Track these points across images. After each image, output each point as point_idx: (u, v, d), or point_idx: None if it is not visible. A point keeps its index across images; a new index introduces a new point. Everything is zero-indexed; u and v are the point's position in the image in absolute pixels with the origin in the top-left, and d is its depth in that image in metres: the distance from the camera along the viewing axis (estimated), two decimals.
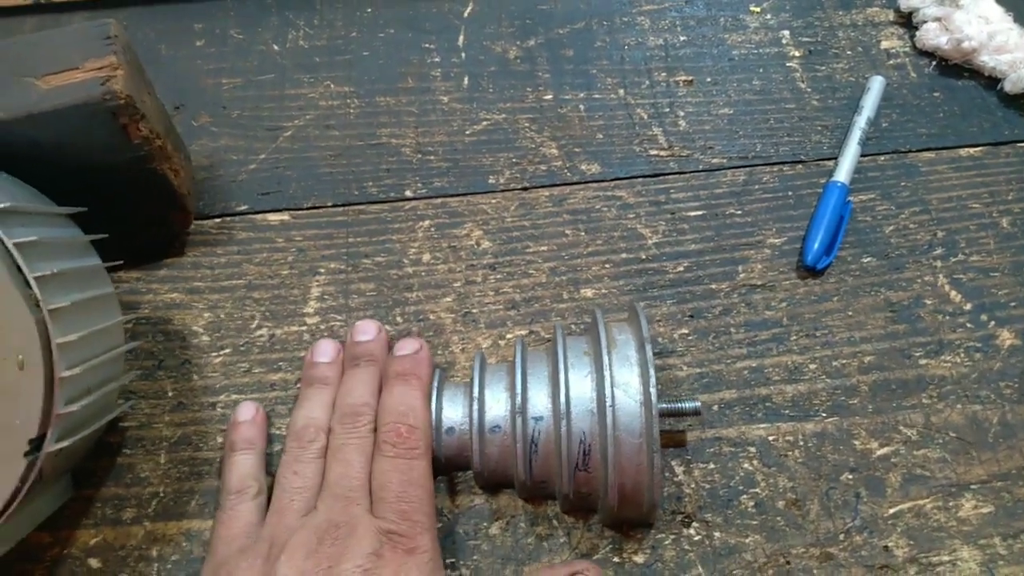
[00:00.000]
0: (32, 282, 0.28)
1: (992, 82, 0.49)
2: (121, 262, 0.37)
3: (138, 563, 0.35)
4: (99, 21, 0.38)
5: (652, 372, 0.31)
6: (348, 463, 0.33)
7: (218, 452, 0.37)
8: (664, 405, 0.35)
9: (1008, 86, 0.47)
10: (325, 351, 0.38)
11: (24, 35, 0.39)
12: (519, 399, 0.33)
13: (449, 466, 0.35)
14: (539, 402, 0.33)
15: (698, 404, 0.35)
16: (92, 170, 0.37)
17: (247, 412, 0.37)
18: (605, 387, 0.31)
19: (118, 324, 0.35)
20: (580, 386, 0.32)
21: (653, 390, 0.31)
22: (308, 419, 0.35)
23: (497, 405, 0.34)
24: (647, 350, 0.32)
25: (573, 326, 0.40)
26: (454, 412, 0.35)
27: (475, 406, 0.34)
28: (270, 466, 0.36)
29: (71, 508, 0.36)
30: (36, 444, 0.29)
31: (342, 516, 0.31)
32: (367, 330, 0.38)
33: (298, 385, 0.39)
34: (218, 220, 0.44)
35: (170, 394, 0.39)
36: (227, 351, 0.40)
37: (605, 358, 0.32)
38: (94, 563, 0.35)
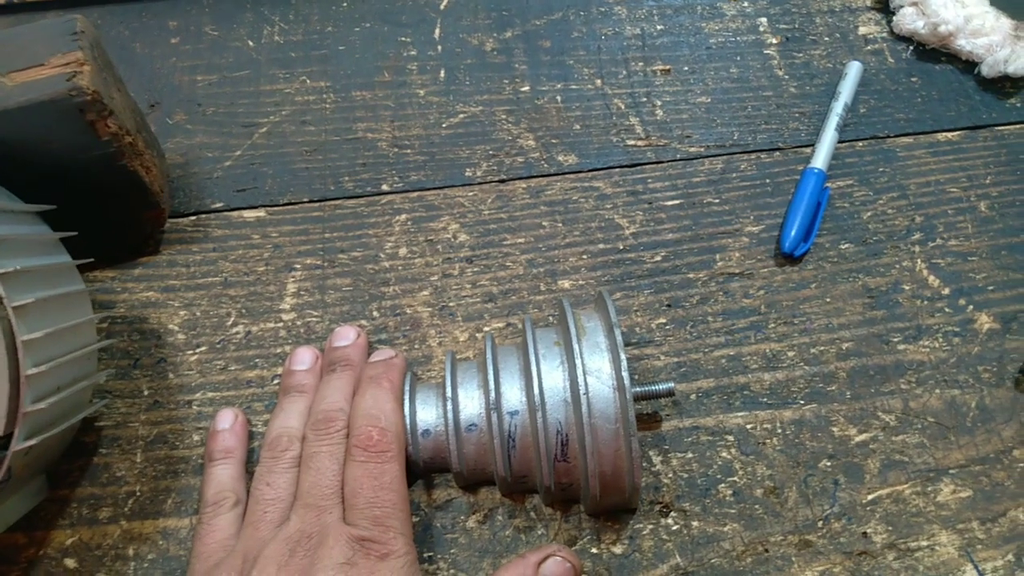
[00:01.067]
0: None
1: (969, 66, 0.49)
2: (92, 260, 0.37)
3: (115, 562, 0.34)
4: (66, 17, 0.37)
5: (623, 356, 0.31)
6: (320, 471, 0.32)
7: (194, 450, 0.37)
8: (637, 389, 0.35)
9: (985, 70, 0.47)
10: (303, 359, 0.38)
11: None
12: (493, 395, 0.33)
13: (428, 469, 0.35)
14: (513, 396, 0.33)
15: (671, 385, 0.35)
16: (62, 168, 0.37)
17: (225, 420, 0.36)
18: (578, 375, 0.31)
19: (89, 322, 0.35)
20: (553, 377, 0.32)
21: (625, 374, 0.31)
22: (282, 428, 0.34)
23: (471, 403, 0.34)
24: (616, 335, 0.32)
25: (551, 318, 0.40)
26: (428, 414, 0.34)
27: (449, 406, 0.33)
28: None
29: (47, 508, 0.36)
30: (3, 443, 0.28)
31: (314, 526, 0.30)
32: (345, 335, 0.38)
33: (275, 382, 0.39)
34: (193, 217, 0.44)
35: (146, 393, 0.39)
36: (203, 349, 0.40)
37: (575, 346, 0.32)
38: (70, 563, 0.34)
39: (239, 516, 0.33)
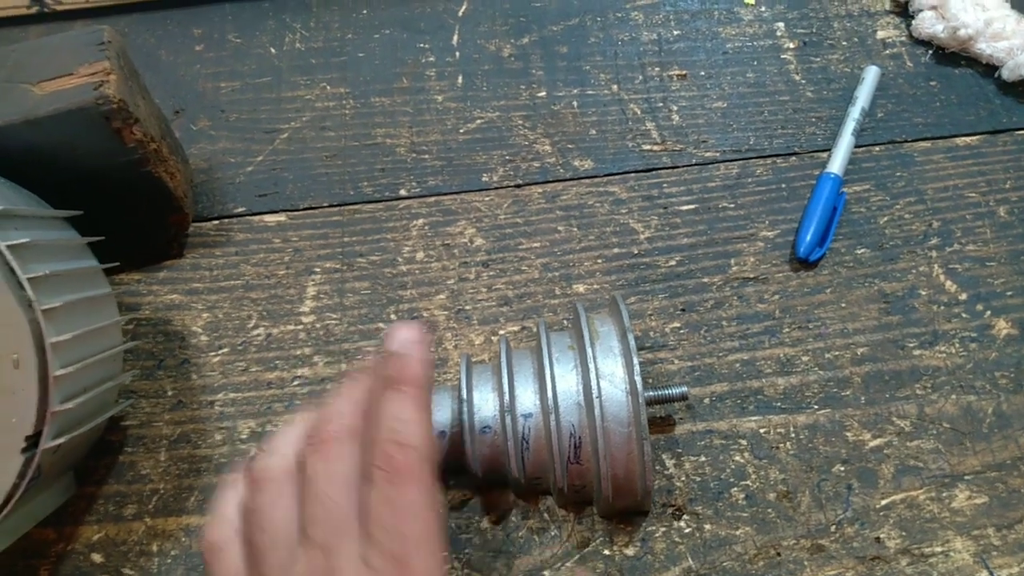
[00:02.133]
0: (25, 283, 0.29)
1: (990, 70, 0.48)
2: (118, 263, 0.38)
3: (139, 558, 0.35)
4: (93, 28, 0.38)
5: (636, 360, 0.31)
6: (324, 499, 0.26)
7: (216, 449, 0.38)
8: (650, 392, 0.35)
9: (1006, 73, 0.47)
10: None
11: (23, 42, 0.40)
12: (507, 397, 0.33)
13: (442, 470, 0.35)
14: (527, 399, 0.33)
15: (685, 389, 0.35)
16: (89, 174, 0.38)
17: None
18: (591, 379, 0.31)
19: (115, 324, 0.36)
20: (566, 380, 0.32)
21: (638, 378, 0.31)
22: (274, 451, 0.28)
23: (486, 406, 0.34)
24: (629, 339, 0.32)
25: (565, 321, 0.41)
26: (443, 416, 0.35)
27: (464, 408, 0.34)
28: None
29: (74, 505, 0.37)
30: (32, 441, 0.29)
31: (322, 570, 0.25)
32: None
33: (295, 383, 0.40)
34: (216, 222, 0.45)
35: (170, 393, 0.40)
36: (225, 350, 0.41)
37: (589, 350, 0.32)
38: (97, 558, 0.35)
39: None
